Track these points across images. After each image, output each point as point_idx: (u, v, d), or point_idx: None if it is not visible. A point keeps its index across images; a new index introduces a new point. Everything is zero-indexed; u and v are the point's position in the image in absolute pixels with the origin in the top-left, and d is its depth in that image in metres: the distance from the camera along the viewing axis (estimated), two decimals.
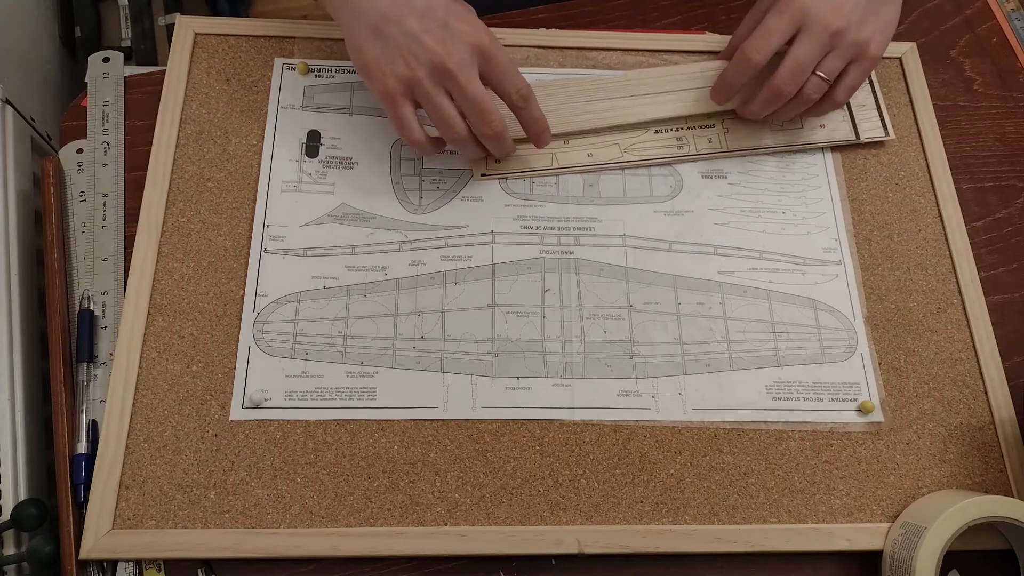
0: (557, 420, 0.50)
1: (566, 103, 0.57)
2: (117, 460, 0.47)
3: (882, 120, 0.59)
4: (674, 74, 0.58)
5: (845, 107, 0.59)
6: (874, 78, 0.60)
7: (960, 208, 0.58)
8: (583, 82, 0.58)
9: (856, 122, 0.59)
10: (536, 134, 0.53)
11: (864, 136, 0.58)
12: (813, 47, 0.51)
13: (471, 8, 0.50)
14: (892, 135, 0.59)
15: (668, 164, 0.57)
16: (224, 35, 0.59)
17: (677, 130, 0.58)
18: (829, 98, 0.54)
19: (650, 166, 0.57)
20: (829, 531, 0.48)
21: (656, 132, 0.57)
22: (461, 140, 0.50)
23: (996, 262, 0.57)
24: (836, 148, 0.59)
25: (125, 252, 0.53)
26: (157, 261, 0.51)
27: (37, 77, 0.83)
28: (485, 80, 0.49)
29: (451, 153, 0.56)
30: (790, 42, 0.52)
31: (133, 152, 0.56)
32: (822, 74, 0.52)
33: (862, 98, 0.59)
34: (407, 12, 0.47)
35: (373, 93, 0.49)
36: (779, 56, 0.52)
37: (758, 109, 0.55)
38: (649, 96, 0.57)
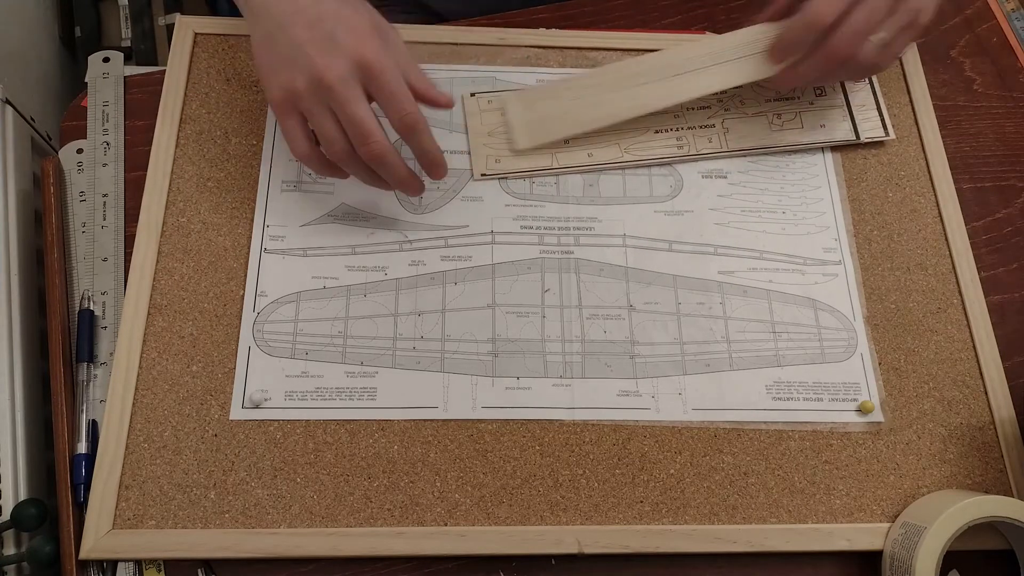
0: (557, 420, 0.50)
1: (608, 92, 0.55)
2: (117, 460, 0.47)
3: (882, 120, 0.59)
4: (716, 46, 0.54)
5: (845, 107, 0.59)
6: (874, 78, 0.60)
7: (960, 208, 0.58)
8: (620, 68, 0.56)
9: (856, 122, 0.59)
10: (427, 166, 0.49)
11: (864, 136, 0.58)
12: (879, 10, 0.48)
13: (374, 15, 0.47)
14: (892, 135, 0.59)
15: (668, 164, 0.57)
16: (224, 35, 0.59)
17: (677, 130, 0.58)
18: (873, 64, 0.51)
19: (650, 166, 0.57)
20: (829, 531, 0.48)
21: (656, 132, 0.57)
22: (344, 160, 0.47)
23: (996, 262, 0.57)
24: (836, 148, 0.59)
25: (125, 252, 0.53)
26: (157, 261, 0.51)
27: (37, 77, 0.83)
28: (371, 99, 0.46)
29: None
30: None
31: (133, 152, 0.56)
32: (880, 38, 0.49)
33: (862, 98, 0.59)
34: (297, 20, 0.45)
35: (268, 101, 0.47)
36: None
37: (808, 72, 0.51)
38: (693, 73, 0.54)
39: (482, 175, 0.56)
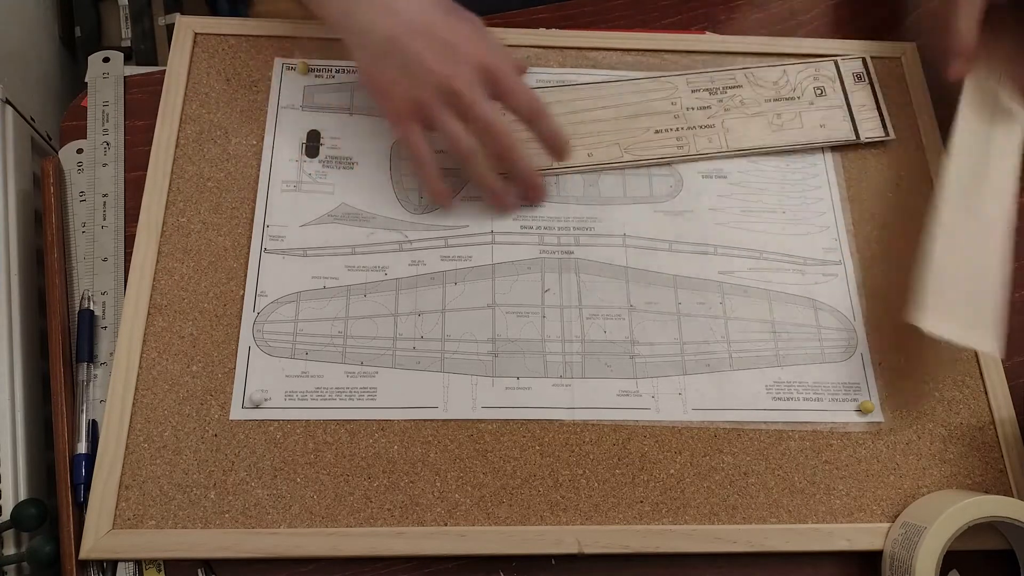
0: (557, 420, 0.50)
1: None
2: (117, 460, 0.47)
3: (882, 120, 0.59)
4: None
5: (845, 107, 0.59)
6: (874, 79, 0.60)
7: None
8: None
9: (856, 122, 0.59)
10: (554, 148, 0.52)
11: (864, 136, 0.58)
12: None
13: (475, 20, 0.49)
14: (892, 135, 0.59)
15: (668, 164, 0.57)
16: (224, 35, 0.59)
17: (677, 130, 0.58)
18: None
19: (650, 166, 0.57)
20: (829, 531, 0.48)
21: (656, 132, 0.57)
22: (468, 161, 0.50)
23: None
24: (836, 148, 0.59)
25: (125, 252, 0.53)
26: (157, 261, 0.51)
27: (37, 77, 0.83)
28: (494, 98, 0.48)
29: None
30: None
31: (133, 152, 0.56)
32: None
33: (862, 98, 0.59)
34: (410, 34, 0.47)
35: (384, 117, 0.49)
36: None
37: None
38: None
39: None
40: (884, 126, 0.59)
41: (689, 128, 0.58)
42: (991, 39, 0.56)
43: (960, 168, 0.54)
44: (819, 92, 0.59)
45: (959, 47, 0.54)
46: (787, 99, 0.59)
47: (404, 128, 0.49)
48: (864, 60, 0.61)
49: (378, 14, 0.48)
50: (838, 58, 0.61)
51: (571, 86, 0.59)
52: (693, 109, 0.58)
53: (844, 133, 0.58)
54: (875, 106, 0.59)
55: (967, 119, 0.55)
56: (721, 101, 0.59)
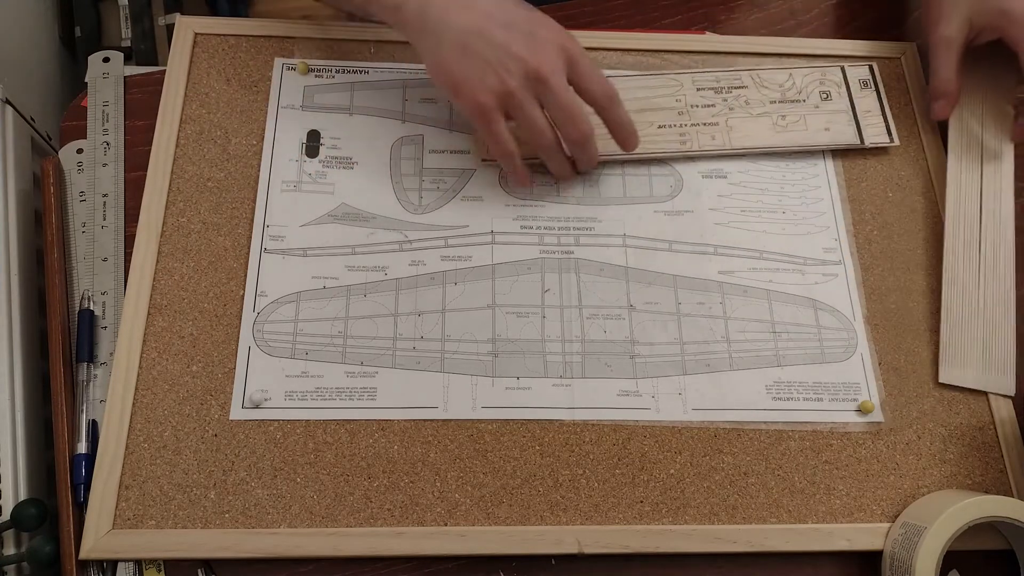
0: (557, 420, 0.50)
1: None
2: (117, 460, 0.47)
3: (887, 126, 0.59)
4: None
5: (850, 111, 0.59)
6: (880, 86, 0.60)
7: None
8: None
9: (861, 127, 0.59)
10: (623, 137, 0.52)
11: (869, 141, 0.58)
12: None
13: (537, 10, 0.50)
14: (897, 141, 0.58)
15: (671, 160, 0.57)
16: (224, 35, 0.59)
17: (681, 126, 0.58)
18: None
19: (650, 162, 0.57)
20: (829, 531, 0.48)
21: (660, 127, 0.57)
22: (551, 148, 0.51)
23: None
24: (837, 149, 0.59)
25: (125, 252, 0.53)
26: (157, 261, 0.51)
27: (37, 77, 0.83)
28: (571, 84, 0.49)
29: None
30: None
31: (133, 152, 0.56)
32: None
33: (868, 103, 0.59)
34: (491, 25, 0.47)
35: (465, 111, 0.49)
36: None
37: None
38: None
39: (483, 160, 0.56)
40: (889, 131, 0.59)
41: (693, 125, 0.58)
42: (972, 80, 0.59)
43: (957, 217, 0.56)
44: (825, 96, 0.59)
45: (941, 90, 0.58)
46: (792, 101, 0.59)
47: (490, 120, 0.49)
48: (871, 67, 0.61)
49: (454, 10, 0.48)
50: (845, 64, 0.60)
51: None
52: (698, 107, 0.58)
53: (848, 137, 0.58)
54: (881, 112, 0.59)
55: (956, 166, 0.57)
56: (726, 100, 0.59)
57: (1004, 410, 0.52)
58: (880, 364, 0.53)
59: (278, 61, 0.58)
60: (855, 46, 0.63)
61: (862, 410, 0.51)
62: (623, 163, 0.57)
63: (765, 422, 0.51)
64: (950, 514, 0.45)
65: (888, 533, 0.48)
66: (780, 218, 0.57)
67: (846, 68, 0.60)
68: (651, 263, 0.54)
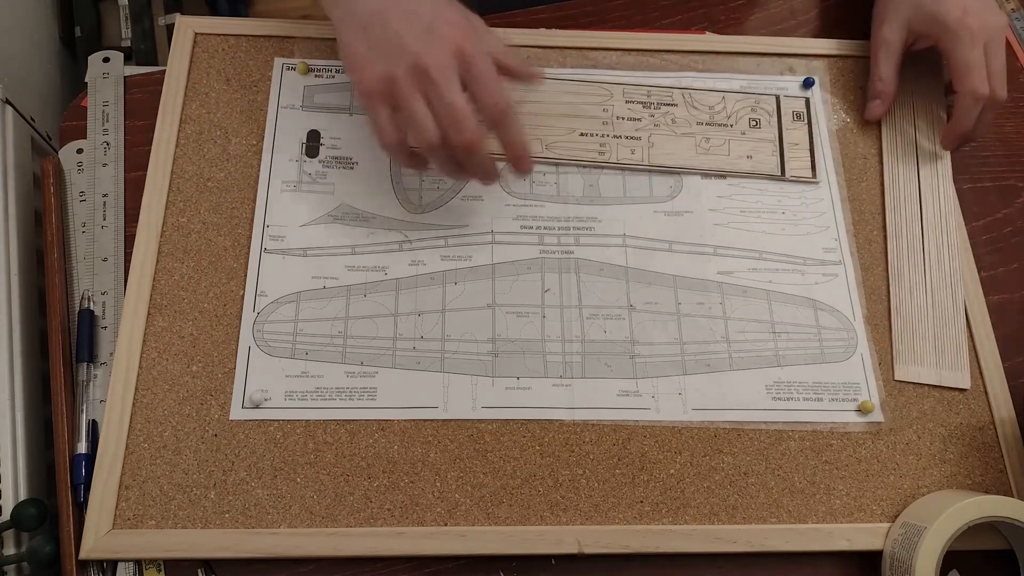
0: (557, 420, 0.50)
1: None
2: (117, 460, 0.47)
3: (812, 161, 0.58)
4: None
5: (776, 142, 0.59)
6: (814, 120, 0.59)
7: (960, 208, 0.58)
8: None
9: (785, 159, 0.58)
10: (513, 157, 0.49)
11: (790, 175, 0.58)
12: (1002, 49, 0.56)
13: (467, 12, 0.49)
14: (818, 179, 0.58)
15: (585, 168, 0.57)
16: (224, 35, 0.59)
17: (603, 136, 0.57)
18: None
19: (559, 164, 0.56)
20: (829, 531, 0.48)
21: (581, 135, 0.57)
22: (432, 147, 0.47)
23: (996, 262, 0.57)
24: (837, 148, 0.59)
25: (125, 252, 0.53)
26: (157, 261, 0.51)
27: (37, 77, 0.83)
28: (465, 88, 0.47)
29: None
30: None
31: (133, 152, 0.56)
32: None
33: (797, 136, 0.59)
34: (393, 11, 0.46)
35: (354, 92, 0.49)
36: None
37: (982, 129, 0.58)
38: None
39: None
40: (813, 167, 0.58)
41: (615, 136, 0.58)
42: (907, 84, 0.60)
43: (897, 218, 0.57)
44: (754, 124, 0.59)
45: (876, 89, 0.59)
46: (720, 125, 0.59)
47: (370, 105, 0.48)
48: (807, 100, 0.60)
49: None
50: (781, 94, 0.60)
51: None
52: (623, 119, 0.58)
53: (769, 168, 0.58)
54: (808, 146, 0.59)
55: (892, 167, 0.58)
56: (653, 116, 0.59)
57: (1004, 410, 0.52)
58: (880, 364, 0.53)
59: (278, 61, 0.58)
60: (855, 46, 0.63)
61: (862, 410, 0.51)
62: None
63: (765, 422, 0.51)
64: (950, 514, 0.45)
65: (888, 533, 0.48)
66: (780, 218, 0.57)
67: (781, 98, 0.60)
68: (651, 263, 0.54)
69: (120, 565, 0.46)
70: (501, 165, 0.50)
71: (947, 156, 0.59)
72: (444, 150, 0.47)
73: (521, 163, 0.49)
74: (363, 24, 0.47)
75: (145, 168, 0.54)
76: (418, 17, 0.46)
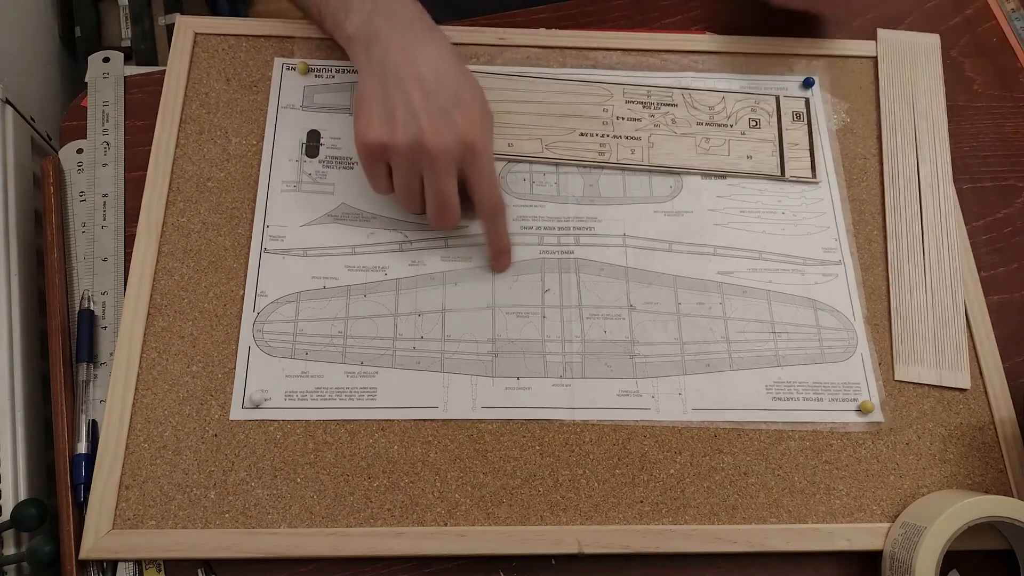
0: (557, 420, 0.50)
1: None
2: (117, 460, 0.47)
3: (811, 161, 0.58)
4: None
5: (776, 142, 0.58)
6: (814, 120, 0.59)
7: (960, 208, 0.58)
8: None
9: (785, 159, 0.58)
10: (494, 252, 0.52)
11: (790, 175, 0.58)
12: None
13: (483, 98, 0.49)
14: (818, 179, 0.58)
15: (585, 168, 0.57)
16: (224, 35, 0.59)
17: (603, 136, 0.58)
18: None
19: (560, 164, 0.57)
20: (829, 531, 0.48)
21: (581, 135, 0.57)
22: (410, 212, 0.51)
23: (996, 262, 0.57)
24: (837, 148, 0.59)
25: (125, 252, 0.53)
26: (157, 261, 0.51)
27: (37, 77, 0.83)
28: (462, 177, 0.48)
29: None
30: None
31: (133, 152, 0.56)
32: None
33: (796, 136, 0.59)
34: (414, 83, 0.46)
35: (354, 138, 0.48)
36: None
37: None
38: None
39: None
40: (812, 167, 0.58)
41: (615, 136, 0.58)
42: (909, 82, 0.60)
43: (897, 218, 0.57)
44: (753, 124, 0.59)
45: None
46: (720, 125, 0.59)
47: (367, 161, 0.48)
48: (807, 100, 0.60)
49: (395, 50, 0.48)
50: (781, 94, 0.60)
51: (506, 76, 0.58)
52: (623, 119, 0.58)
53: (769, 168, 0.58)
54: (808, 147, 0.59)
55: (893, 169, 0.58)
56: (653, 116, 0.58)
57: (1004, 410, 0.52)
58: (880, 364, 0.53)
59: (278, 61, 0.58)
60: (854, 46, 0.63)
61: (862, 410, 0.51)
62: (535, 160, 0.56)
63: (765, 422, 0.51)
64: (950, 514, 0.45)
65: (888, 533, 0.48)
66: (780, 218, 0.57)
67: (780, 98, 0.60)
68: (651, 263, 0.54)
69: (120, 565, 0.46)
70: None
71: (947, 156, 0.59)
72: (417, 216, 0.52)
73: (501, 259, 0.52)
74: (385, 80, 0.47)
75: (145, 168, 0.54)
76: (438, 99, 0.46)
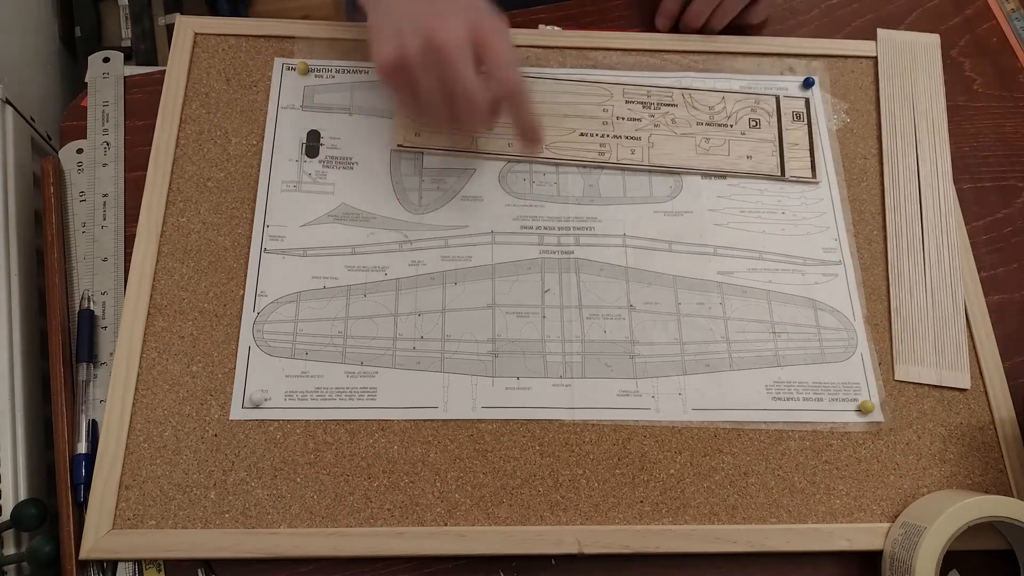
0: (557, 420, 0.50)
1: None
2: (117, 460, 0.47)
3: (811, 161, 0.58)
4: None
5: (776, 142, 0.58)
6: (813, 120, 0.59)
7: (960, 208, 0.58)
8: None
9: (785, 159, 0.58)
10: (525, 135, 0.51)
11: (790, 175, 0.58)
12: None
13: (489, 4, 0.49)
14: (818, 179, 0.58)
15: (585, 168, 0.57)
16: (224, 35, 0.59)
17: (603, 136, 0.58)
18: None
19: (560, 164, 0.57)
20: (829, 531, 0.48)
21: (581, 135, 0.57)
22: (438, 121, 0.49)
23: (996, 262, 0.57)
24: (837, 148, 0.59)
25: (125, 252, 0.53)
26: (157, 261, 0.51)
27: (37, 77, 0.83)
28: (479, 68, 0.47)
29: (451, 154, 0.56)
30: None
31: (133, 152, 0.56)
32: None
33: (796, 137, 0.59)
34: (418, 1, 0.47)
35: (375, 69, 0.49)
36: None
37: (701, 8, 0.60)
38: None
39: (399, 145, 0.56)
40: (812, 167, 0.58)
41: (615, 136, 0.58)
42: (909, 82, 0.61)
43: (897, 218, 0.57)
44: (753, 124, 0.59)
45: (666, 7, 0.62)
46: (720, 125, 0.59)
47: (389, 81, 0.48)
48: (807, 100, 0.60)
49: None
50: (781, 94, 0.60)
51: None
52: (623, 119, 0.58)
53: (769, 168, 0.58)
54: (808, 147, 0.59)
55: (893, 169, 0.58)
56: (653, 116, 0.58)
57: (1004, 410, 0.52)
58: (880, 364, 0.53)
59: (278, 61, 0.58)
60: (854, 46, 0.63)
61: (862, 410, 0.51)
62: (534, 160, 0.57)
63: (765, 422, 0.51)
64: (950, 514, 0.45)
65: (888, 533, 0.48)
66: (780, 218, 0.57)
67: (780, 98, 0.60)
68: (651, 263, 0.54)
69: (120, 565, 0.46)
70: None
71: (947, 156, 0.59)
72: (448, 124, 0.49)
73: (532, 141, 0.51)
74: (387, 7, 0.48)
75: (145, 168, 0.54)
76: (440, 2, 0.47)
